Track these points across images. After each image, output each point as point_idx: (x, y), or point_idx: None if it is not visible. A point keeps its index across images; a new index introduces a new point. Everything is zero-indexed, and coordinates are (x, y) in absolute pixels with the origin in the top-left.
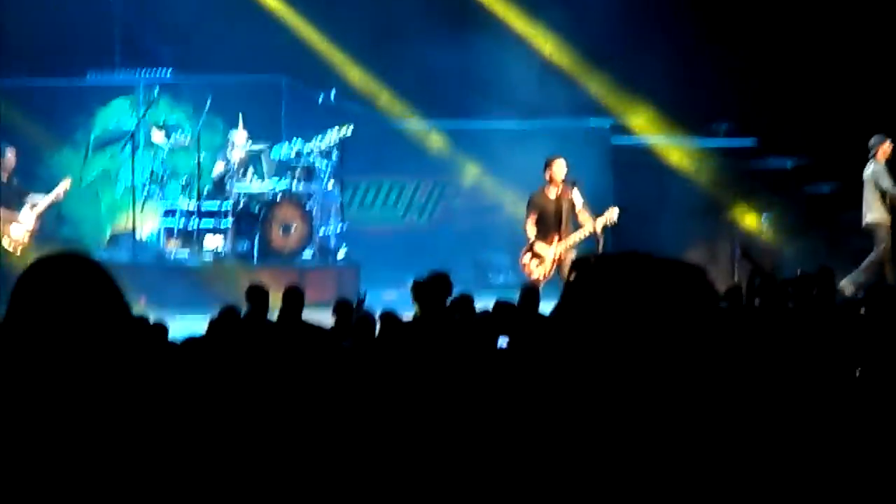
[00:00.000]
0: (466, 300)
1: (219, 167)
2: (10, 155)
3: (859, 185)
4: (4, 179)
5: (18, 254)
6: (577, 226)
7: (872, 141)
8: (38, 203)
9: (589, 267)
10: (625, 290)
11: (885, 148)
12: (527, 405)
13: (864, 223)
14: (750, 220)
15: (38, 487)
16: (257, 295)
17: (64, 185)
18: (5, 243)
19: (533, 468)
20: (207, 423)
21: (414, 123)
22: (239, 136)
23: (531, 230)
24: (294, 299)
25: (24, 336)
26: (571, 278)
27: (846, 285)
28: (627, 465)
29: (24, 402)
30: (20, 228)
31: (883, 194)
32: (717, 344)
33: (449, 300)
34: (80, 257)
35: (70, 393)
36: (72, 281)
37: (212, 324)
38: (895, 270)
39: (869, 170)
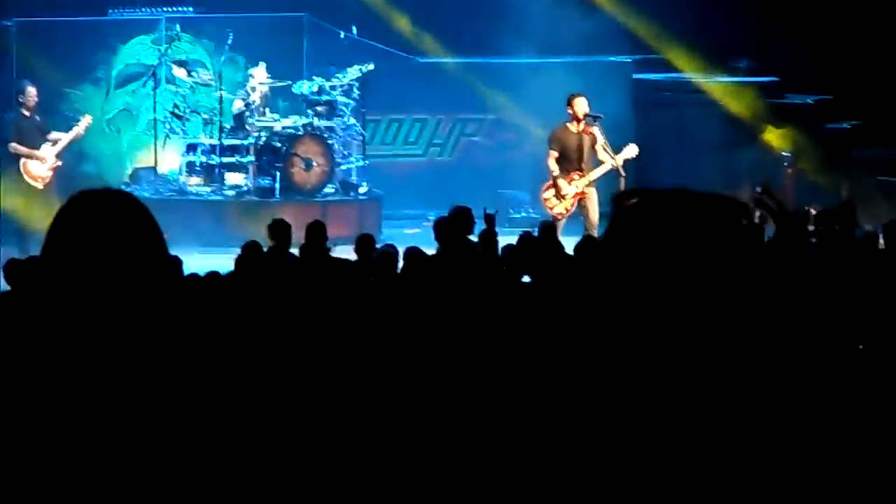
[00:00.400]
0: (490, 236)
1: (237, 104)
2: (32, 91)
3: (879, 122)
4: (28, 115)
5: (41, 187)
6: (598, 162)
7: None
8: (60, 140)
9: (635, 203)
10: (672, 226)
11: None
12: (555, 342)
13: None
14: (777, 140)
15: (65, 423)
16: (280, 230)
17: (85, 121)
18: (28, 179)
19: (558, 408)
20: (233, 357)
21: (435, 59)
22: (259, 73)
23: (553, 166)
24: (318, 234)
25: (64, 270)
26: (616, 213)
27: None
28: (660, 411)
29: (60, 336)
30: (42, 165)
31: None
32: (759, 282)
33: (474, 235)
34: (119, 193)
35: (107, 327)
36: (113, 217)
37: (239, 260)
38: None
39: None
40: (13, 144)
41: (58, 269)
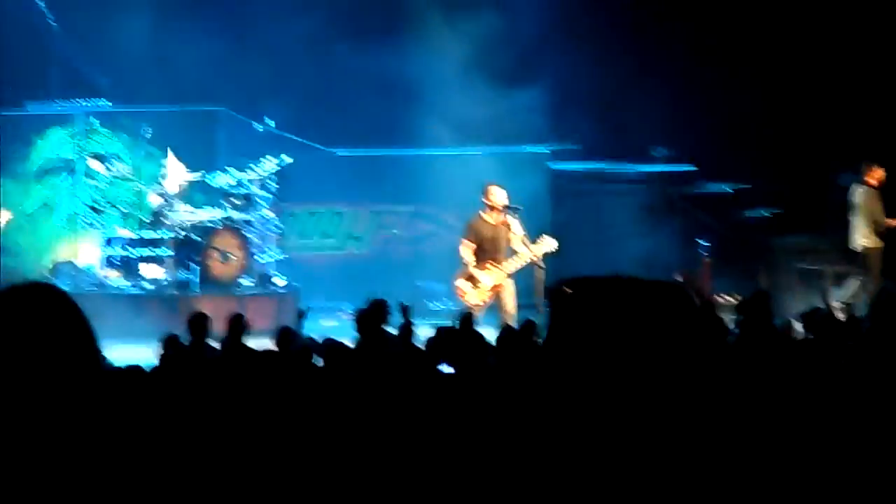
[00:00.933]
0: (407, 327)
1: (154, 198)
2: None
3: (798, 210)
4: None
5: None
6: (512, 252)
7: (862, 167)
8: None
9: (573, 291)
10: (613, 313)
11: (877, 174)
12: (479, 430)
13: (854, 245)
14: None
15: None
16: (199, 323)
17: (3, 217)
18: None
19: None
20: (156, 448)
21: (352, 151)
22: (170, 162)
23: (469, 256)
24: (237, 326)
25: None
26: (555, 303)
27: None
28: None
29: None
30: None
31: (872, 220)
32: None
33: (395, 327)
34: (46, 286)
35: (41, 417)
36: (42, 310)
37: (161, 356)
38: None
39: (856, 193)
40: None
41: None
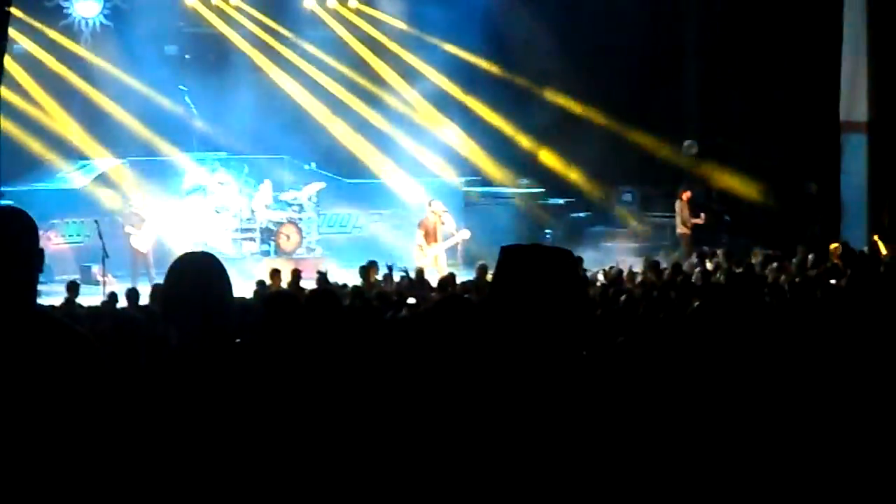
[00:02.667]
0: (388, 276)
1: (253, 204)
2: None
3: (602, 212)
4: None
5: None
6: (447, 236)
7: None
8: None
9: (511, 251)
10: (535, 265)
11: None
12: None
13: (677, 232)
14: None
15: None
16: (275, 273)
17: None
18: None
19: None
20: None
21: (361, 180)
22: (264, 187)
23: (419, 238)
24: (296, 276)
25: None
26: (500, 263)
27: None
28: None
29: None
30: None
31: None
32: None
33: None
34: (211, 255)
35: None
36: (220, 269)
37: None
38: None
39: (677, 205)
40: (127, 228)
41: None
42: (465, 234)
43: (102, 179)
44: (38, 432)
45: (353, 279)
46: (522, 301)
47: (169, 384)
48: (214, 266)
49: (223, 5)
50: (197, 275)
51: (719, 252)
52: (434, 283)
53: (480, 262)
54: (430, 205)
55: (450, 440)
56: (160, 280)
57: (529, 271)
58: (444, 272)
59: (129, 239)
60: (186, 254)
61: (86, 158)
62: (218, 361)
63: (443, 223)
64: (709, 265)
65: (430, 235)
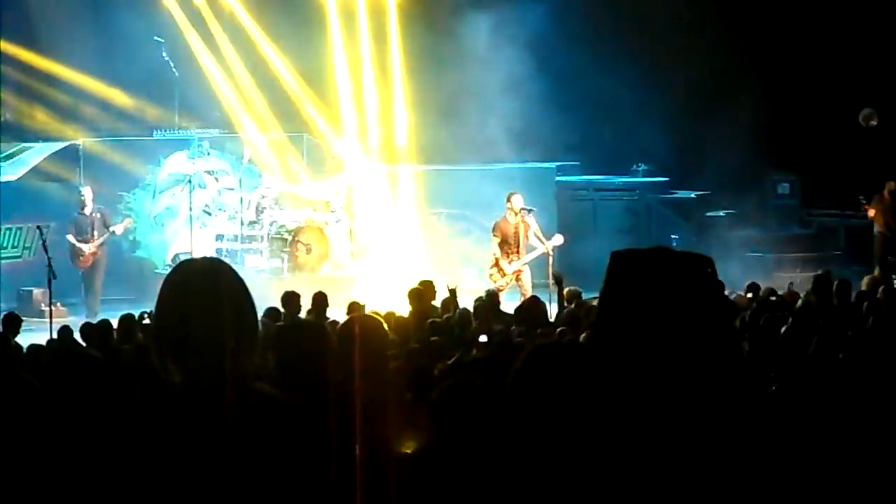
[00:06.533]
0: (452, 301)
1: (255, 197)
2: (86, 194)
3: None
4: (81, 212)
5: (82, 269)
6: (531, 248)
7: None
8: (102, 236)
9: (625, 260)
10: (657, 275)
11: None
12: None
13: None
14: None
15: None
16: (291, 299)
17: (124, 224)
18: (77, 261)
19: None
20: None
21: (404, 165)
22: (266, 181)
23: (496, 249)
24: (321, 303)
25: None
26: (611, 266)
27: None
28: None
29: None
30: (86, 250)
31: None
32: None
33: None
34: (219, 260)
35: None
36: (234, 275)
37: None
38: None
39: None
40: (68, 236)
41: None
42: (559, 239)
43: (43, 169)
44: None
45: (385, 302)
46: (645, 331)
47: (169, 438)
48: (235, 278)
49: None
50: (209, 292)
51: None
52: (511, 310)
53: (571, 289)
54: (508, 200)
55: None
56: (104, 315)
57: (652, 286)
58: (529, 293)
59: (73, 251)
60: (187, 262)
61: (22, 139)
62: (238, 411)
63: (527, 225)
64: None
65: (509, 244)
